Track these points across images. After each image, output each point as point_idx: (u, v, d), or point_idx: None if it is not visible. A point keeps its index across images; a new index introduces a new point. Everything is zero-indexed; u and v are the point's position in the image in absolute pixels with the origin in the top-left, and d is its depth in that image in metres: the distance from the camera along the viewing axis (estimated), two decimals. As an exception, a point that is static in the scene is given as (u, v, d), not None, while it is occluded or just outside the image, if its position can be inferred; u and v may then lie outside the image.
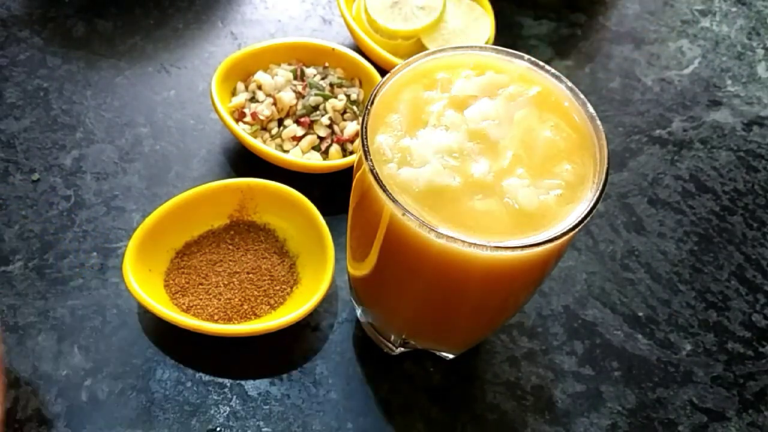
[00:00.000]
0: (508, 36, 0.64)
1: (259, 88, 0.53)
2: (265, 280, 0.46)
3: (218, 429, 0.41)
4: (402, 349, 0.44)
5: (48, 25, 0.60)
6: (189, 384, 0.42)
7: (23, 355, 0.42)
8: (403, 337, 0.42)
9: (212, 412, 0.42)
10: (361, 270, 0.39)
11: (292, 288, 0.45)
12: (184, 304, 0.44)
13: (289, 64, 0.55)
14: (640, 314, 0.48)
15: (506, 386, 0.44)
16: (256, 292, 0.45)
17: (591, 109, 0.35)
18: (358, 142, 0.42)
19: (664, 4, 0.70)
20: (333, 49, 0.55)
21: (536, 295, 0.48)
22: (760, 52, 0.67)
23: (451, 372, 0.45)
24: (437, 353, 0.44)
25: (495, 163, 0.33)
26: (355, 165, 0.36)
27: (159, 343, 0.44)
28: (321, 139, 0.51)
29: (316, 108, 0.52)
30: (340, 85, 0.54)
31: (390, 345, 0.44)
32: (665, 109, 0.61)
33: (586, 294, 0.49)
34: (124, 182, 0.51)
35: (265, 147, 0.50)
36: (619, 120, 0.60)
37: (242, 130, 0.51)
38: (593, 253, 0.51)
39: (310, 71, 0.54)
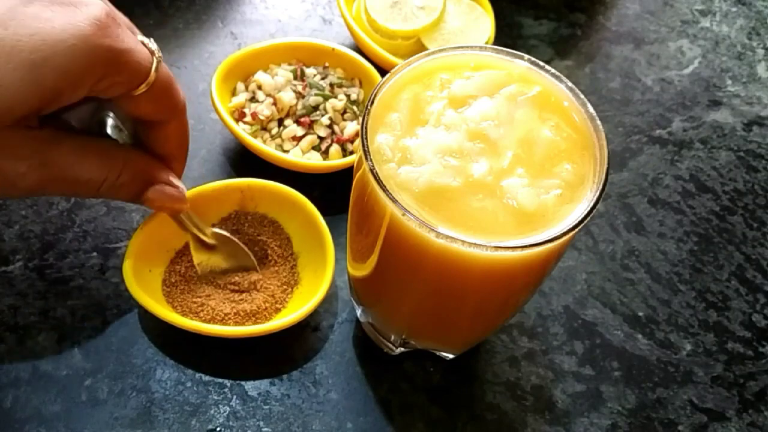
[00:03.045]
0: (508, 36, 0.64)
1: (259, 88, 0.53)
2: (265, 280, 0.46)
3: (218, 429, 0.41)
4: (402, 349, 0.44)
5: (48, 25, 0.60)
6: (189, 384, 0.42)
7: (23, 355, 0.42)
8: (403, 337, 0.42)
9: (212, 412, 0.42)
10: (361, 270, 0.39)
11: (292, 288, 0.45)
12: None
13: (289, 64, 0.55)
14: (640, 314, 0.48)
15: (506, 386, 0.44)
16: (256, 292, 0.45)
17: (591, 109, 0.35)
18: (358, 142, 0.42)
19: (664, 4, 0.70)
20: (333, 49, 0.55)
21: (536, 295, 0.48)
22: (760, 52, 0.67)
23: (451, 372, 0.45)
24: (437, 353, 0.44)
25: (495, 163, 0.33)
26: (355, 165, 0.36)
27: (159, 343, 0.44)
28: (321, 139, 0.51)
29: (316, 108, 0.52)
30: (340, 85, 0.54)
31: (390, 345, 0.44)
32: (665, 109, 0.61)
33: (586, 294, 0.49)
34: (124, 182, 0.51)
35: (265, 147, 0.50)
36: (619, 120, 0.60)
37: (242, 130, 0.51)
38: (593, 253, 0.51)
39: (310, 71, 0.54)
